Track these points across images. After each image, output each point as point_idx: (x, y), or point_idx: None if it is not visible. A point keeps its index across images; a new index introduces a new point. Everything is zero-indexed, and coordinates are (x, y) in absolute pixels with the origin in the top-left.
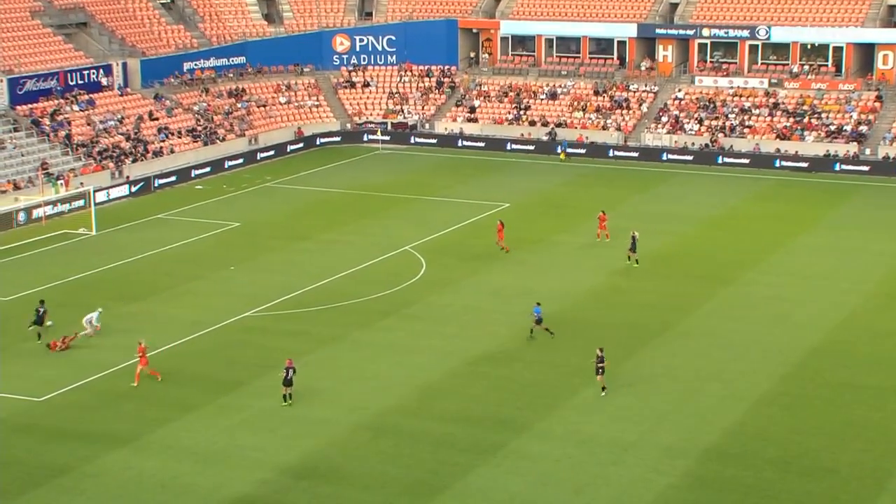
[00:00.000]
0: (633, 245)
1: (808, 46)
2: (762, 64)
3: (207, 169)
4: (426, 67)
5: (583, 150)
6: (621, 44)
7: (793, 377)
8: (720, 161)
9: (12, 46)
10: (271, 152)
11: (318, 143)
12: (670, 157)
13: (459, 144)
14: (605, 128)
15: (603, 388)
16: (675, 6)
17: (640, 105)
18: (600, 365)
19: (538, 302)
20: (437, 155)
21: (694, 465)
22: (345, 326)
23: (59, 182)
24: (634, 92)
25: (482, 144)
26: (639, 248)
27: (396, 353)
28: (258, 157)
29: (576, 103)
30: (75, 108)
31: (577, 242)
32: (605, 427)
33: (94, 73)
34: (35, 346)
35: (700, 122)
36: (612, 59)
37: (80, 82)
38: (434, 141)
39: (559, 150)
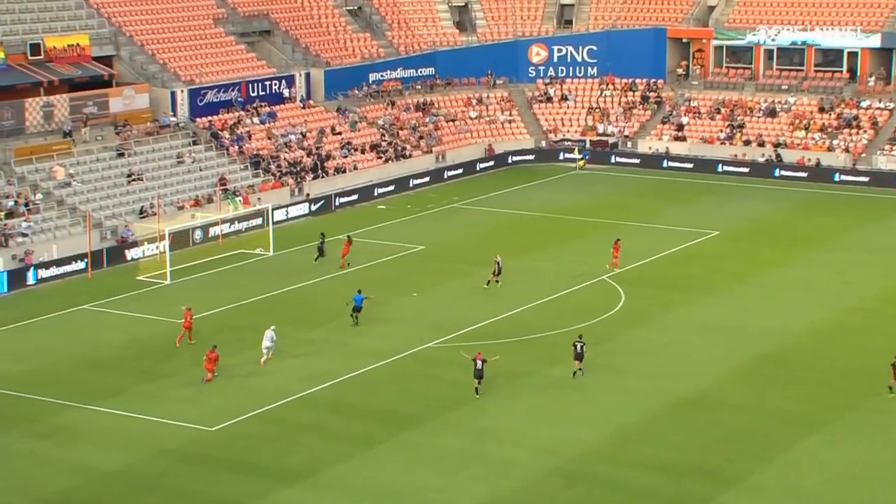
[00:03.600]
0: (497, 270)
1: None
2: None
3: (391, 187)
4: (630, 80)
5: (804, 174)
6: (852, 55)
7: None
8: None
9: (194, 56)
10: (459, 170)
11: (510, 161)
12: None
13: (664, 165)
14: (830, 149)
15: (576, 371)
16: None
17: (874, 124)
18: (579, 350)
19: (359, 289)
20: (640, 176)
21: None
22: (535, 362)
23: (237, 199)
24: (866, 109)
25: (690, 165)
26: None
27: (590, 393)
28: (445, 176)
29: (798, 121)
30: (256, 120)
31: (795, 275)
32: (828, 484)
33: (276, 84)
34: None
35: None
36: (841, 72)
37: (261, 93)
38: (637, 161)
39: (579, 158)
